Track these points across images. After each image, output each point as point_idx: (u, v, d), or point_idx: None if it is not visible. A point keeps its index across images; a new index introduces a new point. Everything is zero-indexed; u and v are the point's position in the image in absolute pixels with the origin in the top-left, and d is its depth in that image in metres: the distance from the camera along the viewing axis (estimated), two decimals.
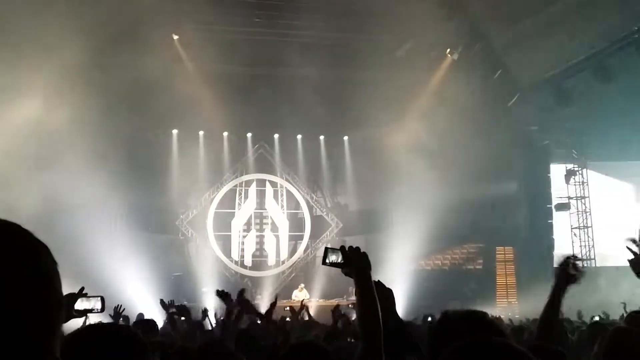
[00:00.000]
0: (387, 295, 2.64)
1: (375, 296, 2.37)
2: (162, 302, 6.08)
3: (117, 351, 1.48)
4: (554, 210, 18.83)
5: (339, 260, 2.44)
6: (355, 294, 2.42)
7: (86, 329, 1.62)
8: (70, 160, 15.17)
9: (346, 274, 2.45)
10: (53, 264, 0.81)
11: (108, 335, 1.54)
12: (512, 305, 17.94)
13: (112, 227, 17.56)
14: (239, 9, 16.43)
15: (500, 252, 19.63)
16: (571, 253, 3.19)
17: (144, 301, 15.06)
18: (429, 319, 8.43)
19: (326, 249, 2.48)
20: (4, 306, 0.72)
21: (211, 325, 7.62)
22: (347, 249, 2.45)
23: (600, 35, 12.98)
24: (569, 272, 2.92)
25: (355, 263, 2.42)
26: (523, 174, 18.60)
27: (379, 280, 2.66)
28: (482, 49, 16.25)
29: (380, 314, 2.33)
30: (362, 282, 2.39)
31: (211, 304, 16.27)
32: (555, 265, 2.99)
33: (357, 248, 2.46)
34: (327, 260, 2.46)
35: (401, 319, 2.68)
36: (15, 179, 13.91)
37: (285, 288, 19.16)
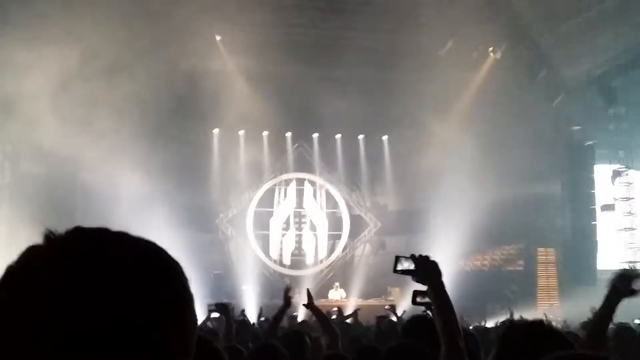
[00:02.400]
0: (433, 270, 2.65)
1: (451, 303, 2.41)
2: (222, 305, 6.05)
3: None
4: (598, 211, 18.42)
5: (411, 268, 2.47)
6: (432, 303, 2.46)
7: None
8: (112, 159, 15.55)
9: (417, 281, 2.49)
10: (188, 283, 0.81)
11: None
12: (553, 308, 17.60)
13: (153, 224, 17.86)
14: (280, 10, 16.54)
15: (541, 254, 19.30)
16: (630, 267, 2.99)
17: None
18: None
19: (397, 257, 2.51)
20: (153, 331, 0.72)
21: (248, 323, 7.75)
22: (417, 256, 2.48)
23: None
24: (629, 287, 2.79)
25: (426, 271, 2.45)
26: (567, 174, 18.24)
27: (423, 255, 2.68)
28: (526, 48, 16.00)
29: (455, 318, 2.40)
30: (437, 290, 2.43)
31: (251, 302, 16.48)
32: (606, 272, 2.90)
33: (427, 256, 2.49)
34: (398, 268, 2.49)
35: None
36: (60, 179, 14.32)
37: (323, 287, 19.21)
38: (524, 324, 2.14)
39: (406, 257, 2.50)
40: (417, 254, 2.51)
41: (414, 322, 3.29)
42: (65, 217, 13.46)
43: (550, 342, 1.91)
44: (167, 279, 0.78)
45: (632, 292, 2.80)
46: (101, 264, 0.73)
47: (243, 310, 8.67)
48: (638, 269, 2.93)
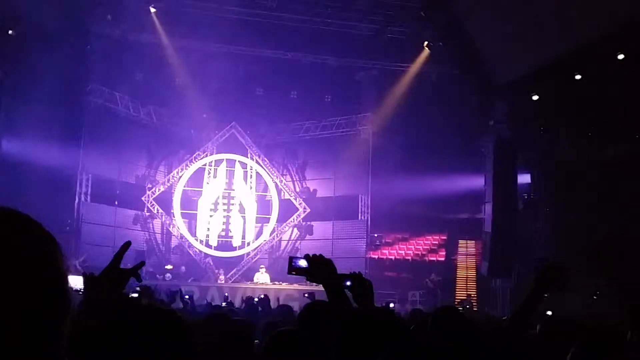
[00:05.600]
0: (366, 288, 2.70)
1: (346, 299, 2.46)
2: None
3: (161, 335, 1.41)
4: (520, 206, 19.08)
5: (305, 267, 2.50)
6: (329, 301, 2.51)
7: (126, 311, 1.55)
8: (34, 130, 14.90)
9: (311, 281, 2.54)
10: (61, 254, 0.76)
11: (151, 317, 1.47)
12: (471, 298, 18.25)
13: (74, 198, 17.33)
14: None
15: (462, 246, 19.93)
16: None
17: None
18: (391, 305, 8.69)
19: (290, 257, 2.56)
20: (8, 305, 0.68)
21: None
22: (311, 256, 2.50)
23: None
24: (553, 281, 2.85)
25: (320, 271, 2.47)
26: (493, 170, 18.81)
27: (359, 272, 2.74)
28: (459, 43, 16.32)
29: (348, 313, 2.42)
30: (330, 289, 2.48)
31: (175, 283, 16.22)
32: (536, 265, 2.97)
33: (321, 255, 2.51)
34: (292, 269, 2.53)
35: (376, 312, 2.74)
36: None
37: (249, 269, 19.18)
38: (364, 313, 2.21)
39: (300, 258, 2.54)
40: (311, 254, 2.54)
41: (309, 311, 3.26)
42: None
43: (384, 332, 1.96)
44: (34, 251, 0.73)
45: (556, 288, 2.86)
46: None
47: (186, 295, 8.72)
48: (560, 264, 2.97)
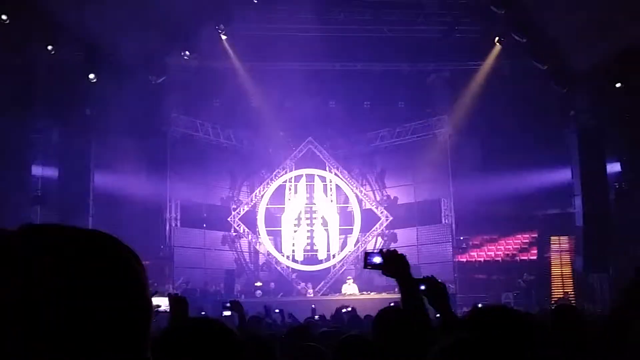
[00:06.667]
0: (440, 291, 2.72)
1: (418, 293, 2.53)
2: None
3: (213, 348, 1.53)
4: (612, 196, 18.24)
5: (380, 263, 2.55)
6: (400, 294, 2.54)
7: (180, 327, 1.68)
8: (124, 161, 15.66)
9: (387, 275, 2.59)
10: (143, 270, 0.80)
11: (203, 331, 1.59)
12: (568, 296, 17.56)
13: (165, 224, 18.04)
14: (281, 10, 16.57)
15: (555, 242, 19.22)
16: None
17: (199, 296, 15.50)
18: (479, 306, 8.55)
19: (366, 253, 2.63)
20: (101, 318, 0.73)
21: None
22: (385, 251, 2.55)
23: None
24: None
25: (394, 265, 2.51)
26: (577, 161, 18.14)
27: (432, 276, 2.78)
28: (532, 34, 15.87)
29: (424, 307, 2.50)
30: (404, 282, 2.53)
31: (266, 299, 16.55)
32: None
33: (394, 250, 2.59)
34: (368, 264, 2.60)
35: (454, 314, 2.75)
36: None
37: (336, 282, 19.27)
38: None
39: (375, 253, 2.60)
40: (385, 249, 2.62)
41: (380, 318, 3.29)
42: (77, 221, 13.60)
43: None
44: (117, 267, 0.77)
45: None
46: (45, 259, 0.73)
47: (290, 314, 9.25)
48: None
